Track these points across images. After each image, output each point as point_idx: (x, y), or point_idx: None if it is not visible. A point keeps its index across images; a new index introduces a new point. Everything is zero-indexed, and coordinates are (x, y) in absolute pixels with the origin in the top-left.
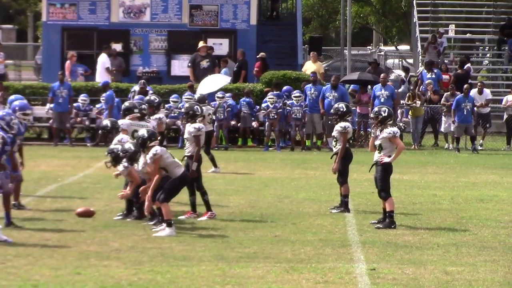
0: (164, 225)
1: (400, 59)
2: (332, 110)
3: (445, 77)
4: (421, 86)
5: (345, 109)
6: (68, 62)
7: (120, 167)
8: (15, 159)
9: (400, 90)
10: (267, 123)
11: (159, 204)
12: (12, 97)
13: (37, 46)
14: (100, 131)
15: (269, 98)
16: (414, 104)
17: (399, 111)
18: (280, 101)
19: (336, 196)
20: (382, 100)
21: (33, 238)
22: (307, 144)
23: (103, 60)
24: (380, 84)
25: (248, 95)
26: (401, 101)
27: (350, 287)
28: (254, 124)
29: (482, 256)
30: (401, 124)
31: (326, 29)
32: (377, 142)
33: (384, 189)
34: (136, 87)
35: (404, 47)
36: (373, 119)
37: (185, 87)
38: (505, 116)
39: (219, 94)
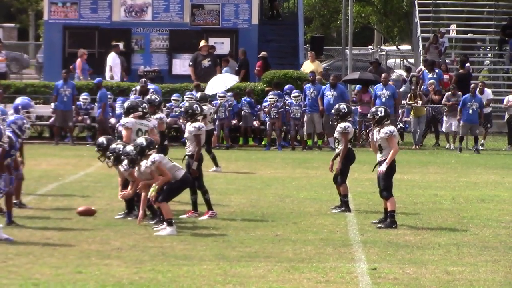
0: (165, 224)
1: (402, 59)
2: (333, 111)
3: (445, 77)
4: (422, 86)
5: (346, 109)
6: (79, 60)
7: (121, 168)
8: (16, 158)
9: (401, 89)
10: (268, 122)
11: (158, 204)
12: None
13: (38, 45)
14: (96, 149)
15: (270, 98)
16: (415, 104)
17: (400, 110)
18: (281, 101)
19: (337, 196)
20: (384, 99)
21: (34, 236)
22: (308, 143)
23: (112, 58)
24: (381, 83)
25: (249, 94)
26: (403, 101)
27: (351, 286)
28: (255, 123)
29: (483, 256)
30: (401, 124)
31: (328, 29)
32: (377, 143)
33: (386, 189)
34: (137, 86)
35: (405, 47)
36: (370, 120)
37: (186, 86)
38: (506, 116)
39: (220, 94)
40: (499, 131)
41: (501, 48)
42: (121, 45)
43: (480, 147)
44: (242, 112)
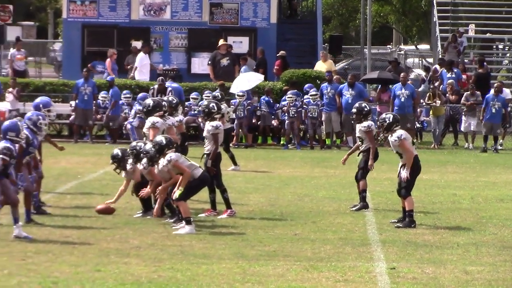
0: (184, 222)
1: (420, 58)
2: (354, 109)
3: (463, 76)
4: (441, 86)
5: (368, 108)
6: (108, 60)
7: (141, 166)
8: (35, 156)
9: (420, 89)
10: (286, 121)
11: (176, 202)
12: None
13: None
14: (111, 161)
15: (288, 97)
16: (434, 104)
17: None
18: (299, 100)
19: (356, 195)
20: (402, 99)
21: (53, 235)
22: (326, 142)
23: (141, 58)
24: (400, 83)
25: (268, 93)
26: (421, 100)
27: (370, 286)
28: (274, 122)
29: (502, 256)
30: (417, 124)
31: (346, 28)
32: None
33: (405, 188)
34: (156, 85)
35: (424, 46)
36: (379, 127)
37: (205, 85)
38: None
39: (239, 93)
40: None
41: None
42: (139, 44)
43: (499, 147)
44: (260, 111)
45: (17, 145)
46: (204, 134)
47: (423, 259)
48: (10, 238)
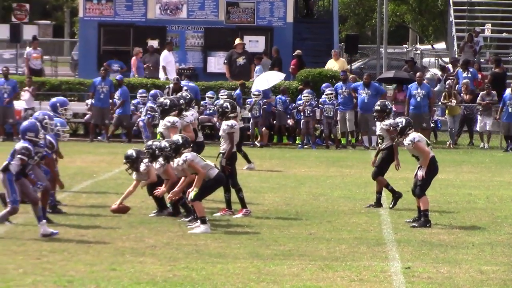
0: (199, 222)
1: (436, 58)
2: (377, 107)
3: (479, 76)
4: (457, 85)
5: (390, 106)
6: (134, 58)
7: (157, 165)
8: (52, 156)
9: (436, 89)
10: (302, 120)
11: (192, 202)
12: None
13: (73, 42)
14: (124, 161)
15: (304, 96)
16: (449, 103)
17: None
18: (313, 98)
19: (372, 194)
20: (418, 99)
21: (68, 233)
22: (342, 142)
23: (165, 56)
24: (416, 82)
25: (283, 92)
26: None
27: (385, 285)
28: (290, 121)
29: None
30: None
31: (363, 27)
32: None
33: (421, 186)
34: (171, 84)
35: (440, 46)
36: (393, 131)
37: (221, 84)
38: None
39: (255, 92)
40: None
41: None
42: (156, 43)
43: None
44: (276, 110)
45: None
46: (220, 133)
47: (438, 258)
48: (26, 237)
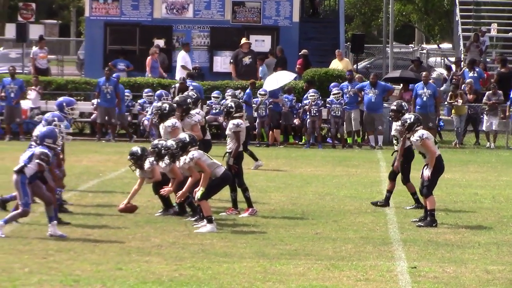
0: (205, 221)
1: (442, 57)
2: (393, 107)
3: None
4: (463, 85)
5: (406, 107)
6: (149, 58)
7: (163, 164)
8: (59, 155)
9: (442, 88)
10: (308, 120)
11: (198, 201)
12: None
13: (79, 41)
14: (129, 157)
15: (310, 95)
16: (455, 103)
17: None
18: (319, 98)
19: (378, 194)
20: (424, 98)
21: (74, 233)
22: (348, 141)
23: (182, 56)
24: (422, 82)
25: (290, 92)
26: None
27: (391, 285)
28: (296, 121)
29: None
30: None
31: (369, 27)
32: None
33: (427, 187)
34: (177, 84)
35: (446, 45)
36: (401, 127)
37: (227, 84)
38: None
39: (261, 91)
40: None
41: None
42: (162, 42)
43: None
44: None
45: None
46: (227, 132)
47: (444, 258)
48: (32, 236)
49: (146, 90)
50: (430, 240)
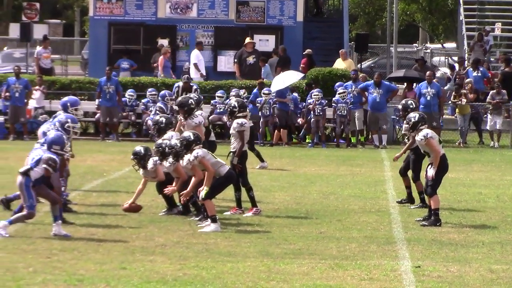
0: (209, 220)
1: (446, 57)
2: (400, 106)
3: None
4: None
5: (414, 105)
6: (161, 57)
7: (167, 163)
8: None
9: (446, 87)
10: (312, 119)
11: (202, 201)
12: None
13: (83, 41)
14: (132, 157)
15: (314, 95)
16: (459, 102)
17: None
18: (320, 97)
19: (382, 193)
20: (428, 98)
21: (78, 232)
22: (352, 140)
23: (195, 55)
24: (426, 81)
25: (292, 91)
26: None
27: (395, 284)
28: (300, 120)
29: None
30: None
31: (373, 26)
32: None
33: (432, 186)
34: (180, 83)
35: (450, 45)
36: (407, 124)
37: (231, 83)
38: None
39: (265, 91)
40: None
41: None
42: (165, 42)
43: None
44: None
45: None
46: (231, 131)
47: (448, 257)
48: (36, 235)
49: (149, 89)
50: (434, 239)
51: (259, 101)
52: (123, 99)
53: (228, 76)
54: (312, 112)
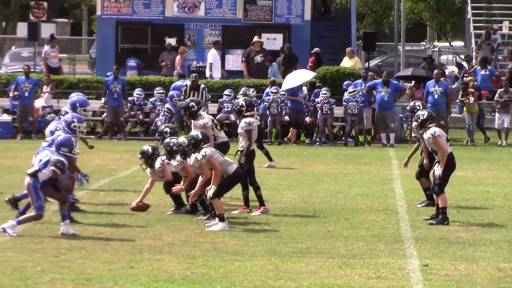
0: (217, 219)
1: (454, 55)
2: (408, 107)
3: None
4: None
5: (421, 107)
6: (178, 57)
7: (175, 162)
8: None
9: (453, 86)
10: (319, 118)
11: (210, 200)
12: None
13: (91, 40)
14: (139, 156)
15: (322, 93)
16: (467, 100)
17: None
18: (328, 95)
19: (389, 192)
20: (436, 96)
21: (86, 231)
22: (360, 139)
23: (212, 54)
24: (433, 80)
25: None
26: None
27: (403, 283)
28: (307, 119)
29: None
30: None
31: (380, 25)
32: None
33: (440, 184)
34: (188, 82)
35: (458, 43)
36: (415, 123)
37: (238, 82)
38: None
39: (273, 89)
40: None
41: None
42: (173, 41)
43: None
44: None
45: None
46: (238, 130)
47: (456, 256)
48: (44, 235)
49: (157, 88)
50: (441, 238)
51: (266, 100)
52: (131, 98)
53: (235, 75)
54: (320, 111)
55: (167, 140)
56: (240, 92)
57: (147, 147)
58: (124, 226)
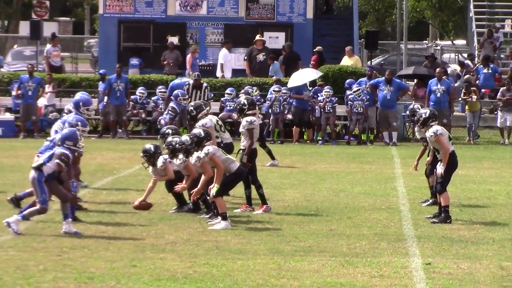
0: (220, 218)
1: (456, 54)
2: (407, 111)
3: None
4: (477, 81)
5: (420, 109)
6: (189, 56)
7: (177, 161)
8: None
9: (456, 85)
10: (322, 116)
11: (213, 198)
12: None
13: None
14: (142, 154)
15: (325, 92)
16: (469, 99)
17: None
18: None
19: (392, 190)
20: (438, 94)
21: (88, 230)
22: (362, 138)
23: (223, 54)
24: (436, 78)
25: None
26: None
27: (405, 281)
28: (310, 118)
29: None
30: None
31: (383, 23)
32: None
33: (442, 183)
34: (190, 80)
35: (460, 42)
36: (416, 122)
37: (241, 81)
38: None
39: (275, 88)
40: None
41: None
42: (176, 40)
43: None
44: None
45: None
46: (240, 129)
47: (458, 254)
48: (46, 233)
49: (159, 87)
50: (444, 236)
51: (269, 98)
52: (133, 96)
53: (238, 74)
54: (322, 110)
55: (170, 139)
56: (243, 91)
57: (149, 145)
58: (127, 225)
